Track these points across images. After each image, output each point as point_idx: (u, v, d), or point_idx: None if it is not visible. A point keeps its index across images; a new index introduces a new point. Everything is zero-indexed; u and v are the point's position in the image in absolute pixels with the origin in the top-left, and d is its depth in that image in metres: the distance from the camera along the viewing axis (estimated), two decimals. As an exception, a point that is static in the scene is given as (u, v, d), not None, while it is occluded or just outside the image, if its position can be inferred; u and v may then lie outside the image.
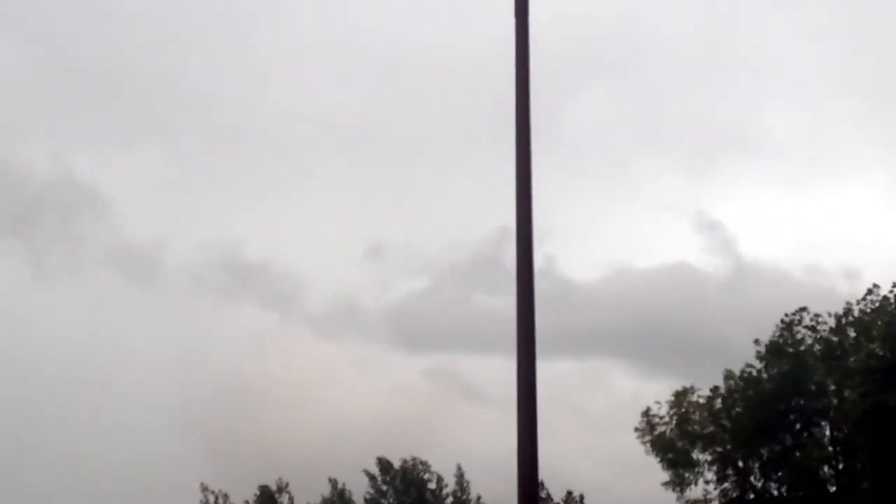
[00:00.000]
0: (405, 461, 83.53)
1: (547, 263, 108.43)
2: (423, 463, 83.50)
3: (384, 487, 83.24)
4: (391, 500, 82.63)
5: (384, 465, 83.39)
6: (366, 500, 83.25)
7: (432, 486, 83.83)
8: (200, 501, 78.90)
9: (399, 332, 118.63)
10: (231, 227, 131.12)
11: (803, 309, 59.12)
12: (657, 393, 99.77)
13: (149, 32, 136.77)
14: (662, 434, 60.76)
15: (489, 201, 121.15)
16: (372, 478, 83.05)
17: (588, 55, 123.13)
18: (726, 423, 59.05)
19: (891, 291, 55.76)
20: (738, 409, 58.57)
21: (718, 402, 59.78)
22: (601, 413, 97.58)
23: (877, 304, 55.77)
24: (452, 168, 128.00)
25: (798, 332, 58.67)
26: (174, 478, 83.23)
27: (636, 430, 61.63)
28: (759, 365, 58.75)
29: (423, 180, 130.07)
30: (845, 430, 54.97)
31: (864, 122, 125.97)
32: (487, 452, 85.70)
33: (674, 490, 60.32)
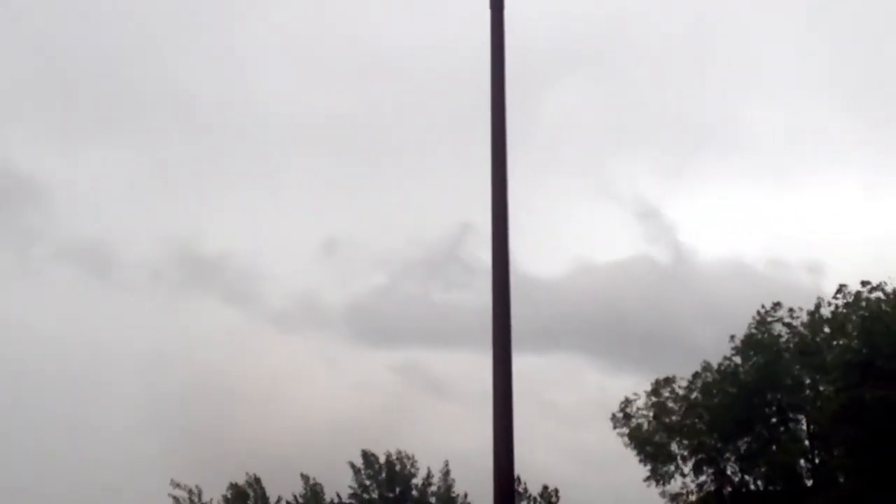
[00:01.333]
0: (389, 455, 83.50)
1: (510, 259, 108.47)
2: (409, 457, 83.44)
3: (367, 482, 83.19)
4: (374, 494, 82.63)
5: (368, 458, 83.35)
6: (350, 494, 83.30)
7: (417, 480, 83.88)
8: (172, 497, 78.59)
9: (361, 328, 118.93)
10: (192, 223, 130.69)
11: (777, 304, 59.46)
12: (624, 387, 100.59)
13: (121, 29, 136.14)
14: (640, 426, 61.01)
15: (450, 198, 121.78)
16: (357, 471, 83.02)
17: (563, 51, 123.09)
18: (704, 414, 59.31)
19: (866, 286, 56.10)
20: (715, 402, 58.83)
21: (696, 393, 60.08)
22: (569, 408, 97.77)
23: (850, 300, 56.06)
24: (417, 165, 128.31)
25: (773, 326, 59.03)
26: (143, 475, 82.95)
27: (612, 418, 61.86)
28: (735, 359, 59.08)
29: (387, 177, 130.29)
30: (822, 425, 55.21)
31: (839, 120, 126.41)
32: (458, 447, 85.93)
33: (656, 485, 60.59)
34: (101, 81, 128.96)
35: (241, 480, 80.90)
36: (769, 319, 59.23)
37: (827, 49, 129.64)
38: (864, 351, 48.97)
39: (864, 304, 54.29)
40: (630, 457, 61.94)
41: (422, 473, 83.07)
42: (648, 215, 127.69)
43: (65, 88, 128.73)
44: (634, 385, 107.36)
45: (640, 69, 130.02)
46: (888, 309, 50.32)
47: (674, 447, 60.33)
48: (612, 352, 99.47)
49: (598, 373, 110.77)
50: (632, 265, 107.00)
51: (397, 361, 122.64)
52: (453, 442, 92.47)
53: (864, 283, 55.82)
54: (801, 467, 58.63)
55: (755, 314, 59.38)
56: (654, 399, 61.48)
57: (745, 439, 58.80)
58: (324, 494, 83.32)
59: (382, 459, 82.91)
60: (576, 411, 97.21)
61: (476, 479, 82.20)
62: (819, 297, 57.99)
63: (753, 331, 59.11)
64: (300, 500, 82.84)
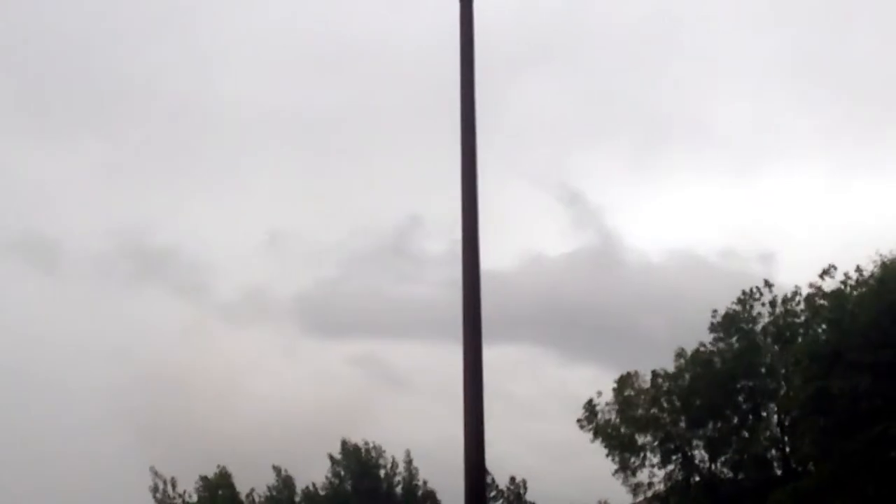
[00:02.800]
0: (360, 445, 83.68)
1: (452, 248, 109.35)
2: (377, 448, 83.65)
3: (342, 472, 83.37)
4: (348, 485, 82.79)
5: (347, 448, 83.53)
6: (313, 485, 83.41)
7: (385, 471, 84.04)
8: (150, 487, 78.45)
9: (312, 320, 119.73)
10: (140, 216, 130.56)
11: (758, 289, 59.77)
12: (580, 378, 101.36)
13: (75, 20, 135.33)
14: (607, 421, 61.24)
15: (399, 190, 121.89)
16: (335, 461, 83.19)
17: (531, 43, 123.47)
18: (674, 402, 59.52)
19: (834, 277, 56.41)
20: (686, 388, 59.04)
21: (661, 382, 60.32)
22: (528, 399, 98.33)
23: (821, 290, 56.36)
24: (368, 158, 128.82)
25: (753, 307, 59.30)
26: (108, 470, 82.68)
27: (578, 421, 62.07)
28: (710, 339, 59.35)
29: (338, 170, 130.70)
30: (793, 414, 55.53)
31: (803, 113, 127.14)
32: (418, 439, 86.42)
33: (623, 476, 60.80)
34: (51, 75, 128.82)
35: (206, 473, 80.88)
36: (752, 299, 59.49)
37: (791, 41, 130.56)
38: (832, 341, 49.18)
39: (835, 293, 54.63)
40: (591, 447, 62.27)
41: (390, 465, 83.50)
42: (602, 207, 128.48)
43: (15, 81, 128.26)
44: (591, 376, 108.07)
45: (604, 61, 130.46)
46: (857, 300, 50.56)
47: (641, 439, 60.61)
48: (566, 343, 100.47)
49: (553, 364, 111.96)
50: (583, 257, 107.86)
51: (353, 353, 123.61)
52: (414, 433, 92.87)
53: (823, 272, 56.30)
54: (771, 456, 58.98)
55: (740, 294, 59.63)
56: (619, 397, 61.77)
57: (715, 425, 59.06)
58: (295, 486, 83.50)
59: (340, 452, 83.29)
60: (534, 402, 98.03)
61: (437, 469, 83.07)
62: (797, 286, 58.50)
63: (734, 309, 59.34)
64: (273, 491, 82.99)
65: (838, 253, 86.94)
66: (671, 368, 60.61)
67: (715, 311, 59.73)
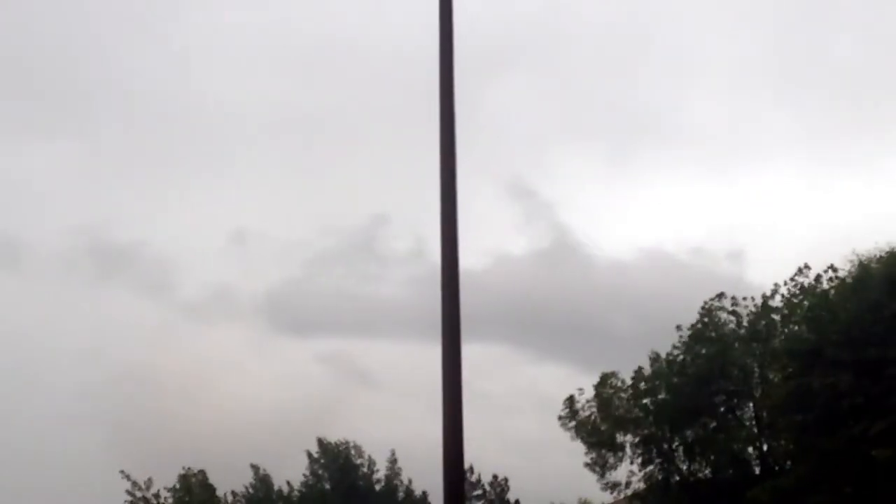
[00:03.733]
0: (337, 444, 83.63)
1: (418, 247, 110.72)
2: (356, 447, 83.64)
3: (320, 471, 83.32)
4: (326, 484, 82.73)
5: (325, 447, 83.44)
6: (289, 484, 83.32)
7: (362, 471, 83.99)
8: (126, 490, 78.13)
9: (280, 319, 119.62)
10: (104, 213, 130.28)
11: (721, 294, 59.87)
12: (552, 376, 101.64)
13: (42, 17, 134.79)
14: (587, 419, 61.32)
15: (365, 189, 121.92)
16: (314, 460, 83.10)
17: (506, 43, 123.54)
18: (650, 405, 59.66)
19: (813, 274, 56.61)
20: (662, 393, 59.18)
21: (642, 385, 60.38)
22: (500, 397, 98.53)
23: (801, 287, 56.59)
24: (339, 156, 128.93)
25: (718, 317, 59.38)
26: (81, 471, 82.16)
27: (560, 418, 62.13)
28: (682, 349, 59.42)
29: (309, 168, 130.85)
30: (770, 412, 55.64)
31: (781, 112, 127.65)
32: (392, 437, 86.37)
33: (595, 472, 60.91)
34: (16, 72, 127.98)
35: (176, 473, 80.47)
36: (715, 310, 59.59)
37: (766, 40, 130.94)
38: (811, 338, 49.30)
39: (813, 291, 54.84)
40: (564, 445, 62.37)
41: (369, 463, 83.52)
42: (572, 206, 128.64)
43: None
44: (563, 375, 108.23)
45: (579, 61, 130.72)
46: (836, 297, 50.71)
47: (620, 438, 60.69)
48: (537, 342, 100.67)
49: (524, 363, 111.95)
50: (553, 255, 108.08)
51: (322, 352, 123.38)
52: (386, 431, 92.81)
53: (798, 271, 56.58)
54: (748, 455, 59.16)
55: (701, 307, 59.75)
56: (599, 393, 61.83)
57: (693, 428, 59.18)
58: (273, 485, 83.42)
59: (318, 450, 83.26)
60: (506, 400, 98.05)
61: (411, 467, 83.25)
62: (776, 284, 58.56)
63: (699, 323, 59.45)
64: (251, 490, 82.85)
65: (810, 252, 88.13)
66: (647, 368, 60.78)
67: (679, 326, 59.78)
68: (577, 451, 62.16)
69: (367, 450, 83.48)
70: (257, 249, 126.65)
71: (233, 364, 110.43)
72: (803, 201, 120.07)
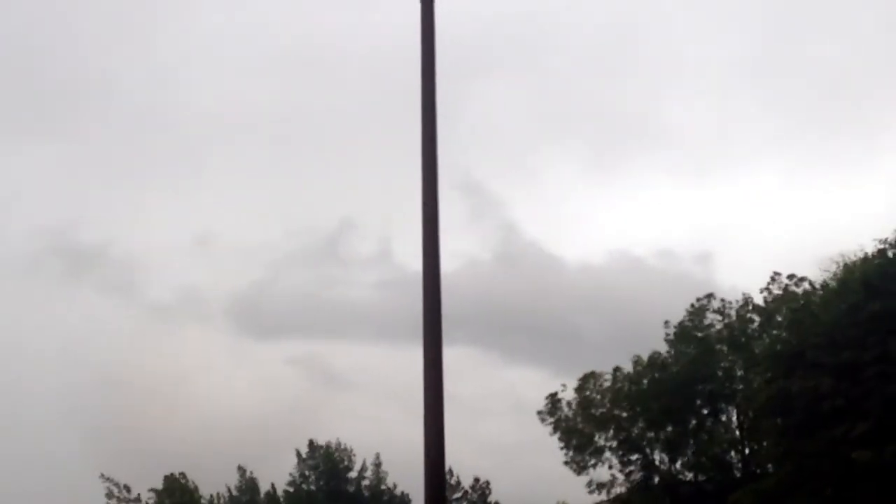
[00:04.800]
0: (328, 446, 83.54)
1: (384, 250, 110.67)
2: (345, 449, 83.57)
3: (307, 472, 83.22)
4: (312, 485, 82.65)
5: (313, 448, 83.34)
6: (273, 487, 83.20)
7: (352, 474, 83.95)
8: (105, 494, 77.86)
9: (248, 321, 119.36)
10: (70, 215, 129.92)
11: (710, 295, 60.04)
12: (523, 380, 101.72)
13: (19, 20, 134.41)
14: (567, 418, 61.37)
15: (333, 193, 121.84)
16: (302, 460, 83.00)
17: (491, 46, 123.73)
18: (632, 406, 59.70)
19: (792, 279, 56.84)
20: (644, 392, 59.22)
21: (624, 386, 60.47)
22: (473, 399, 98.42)
23: (780, 293, 56.83)
24: (308, 160, 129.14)
25: (706, 317, 59.56)
26: (61, 473, 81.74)
27: (539, 413, 62.20)
28: (666, 348, 59.57)
29: (278, 171, 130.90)
30: (751, 416, 55.81)
31: (756, 116, 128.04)
32: (370, 439, 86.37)
33: (574, 471, 60.94)
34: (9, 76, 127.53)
35: (150, 475, 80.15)
36: (703, 309, 59.77)
37: (747, 43, 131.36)
38: (793, 342, 49.43)
39: (794, 295, 55.08)
40: (540, 447, 62.50)
41: (359, 466, 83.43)
42: (544, 210, 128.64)
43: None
44: (538, 378, 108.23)
45: (565, 64, 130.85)
46: (818, 299, 50.90)
47: (601, 439, 60.76)
48: (508, 345, 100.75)
49: (495, 366, 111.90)
50: (520, 259, 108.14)
51: (293, 355, 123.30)
52: (363, 433, 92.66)
53: (790, 277, 56.87)
54: (730, 457, 59.29)
55: (689, 306, 59.95)
56: (580, 393, 61.91)
57: (674, 428, 59.28)
58: (258, 487, 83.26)
59: (305, 451, 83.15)
60: (479, 403, 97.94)
61: (386, 468, 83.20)
62: (761, 290, 58.80)
63: (687, 321, 59.59)
64: (235, 492, 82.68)
65: (781, 254, 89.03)
66: (616, 368, 60.97)
67: (667, 321, 59.98)
68: (553, 454, 62.30)
69: (350, 452, 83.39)
70: (224, 252, 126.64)
71: (205, 367, 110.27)
72: (778, 204, 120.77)
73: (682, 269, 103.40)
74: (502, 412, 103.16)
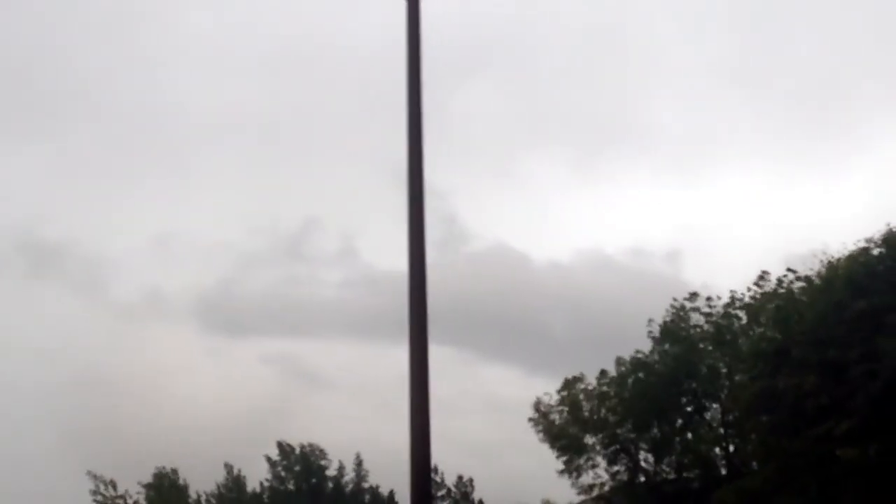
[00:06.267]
0: (304, 447, 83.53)
1: (348, 248, 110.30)
2: (321, 450, 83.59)
3: (283, 473, 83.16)
4: (290, 485, 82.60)
5: (284, 450, 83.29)
6: (262, 485, 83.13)
7: (331, 472, 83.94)
8: (90, 490, 77.69)
9: (215, 319, 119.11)
10: (36, 211, 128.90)
11: (695, 293, 60.14)
12: (496, 379, 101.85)
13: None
14: (554, 422, 61.53)
15: (300, 192, 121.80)
16: (273, 463, 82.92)
17: (476, 47, 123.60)
18: (617, 407, 59.77)
19: (785, 275, 56.96)
20: (628, 393, 59.32)
21: (608, 388, 60.55)
22: (449, 398, 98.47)
23: (765, 290, 56.91)
24: (277, 159, 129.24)
25: (690, 315, 59.64)
26: (39, 473, 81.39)
27: (530, 419, 62.34)
28: (650, 347, 59.71)
29: (245, 170, 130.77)
30: (736, 414, 55.90)
31: (742, 117, 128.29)
32: (342, 437, 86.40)
33: (569, 477, 61.09)
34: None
35: (139, 475, 79.93)
36: (686, 308, 59.88)
37: (729, 47, 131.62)
38: (778, 339, 49.53)
39: (781, 292, 55.15)
40: (516, 446, 62.76)
41: (333, 465, 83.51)
42: (518, 209, 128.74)
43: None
44: (509, 377, 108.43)
45: (548, 65, 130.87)
46: (803, 297, 50.99)
47: (587, 440, 60.86)
48: (480, 344, 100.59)
49: (467, 365, 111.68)
50: (489, 257, 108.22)
51: (265, 353, 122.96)
52: (341, 432, 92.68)
53: (790, 270, 56.87)
54: (715, 456, 59.38)
55: (672, 304, 60.05)
56: (565, 396, 62.02)
57: (659, 428, 59.38)
58: (246, 484, 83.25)
59: (277, 451, 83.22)
60: (453, 402, 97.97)
61: (366, 466, 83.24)
62: (749, 288, 58.92)
63: (671, 319, 59.69)
64: (222, 489, 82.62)
65: (748, 255, 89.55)
66: (602, 372, 61.11)
67: (651, 320, 60.12)
68: (529, 452, 62.50)
69: (328, 451, 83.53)
70: (189, 250, 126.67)
71: (179, 366, 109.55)
72: (753, 203, 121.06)
73: (653, 267, 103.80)
74: (477, 410, 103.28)
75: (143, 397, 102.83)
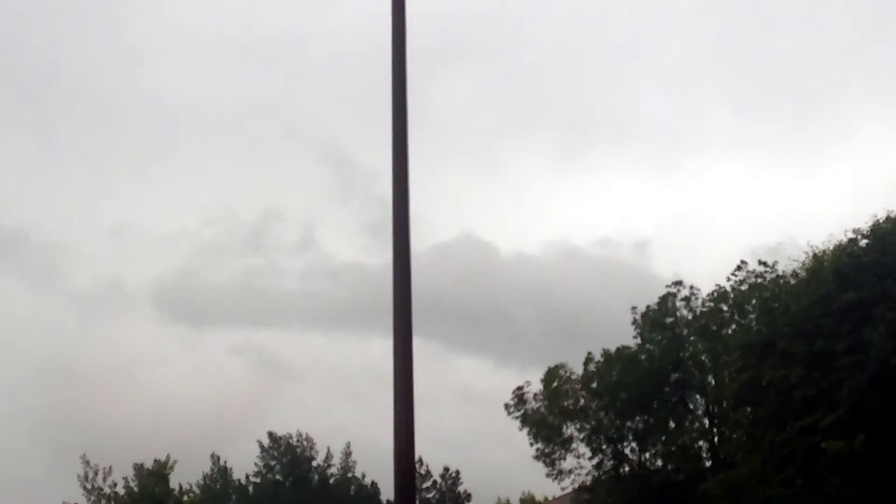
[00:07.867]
0: (290, 436, 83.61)
1: (307, 238, 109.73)
2: (308, 439, 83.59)
3: (272, 462, 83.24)
4: (278, 475, 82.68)
5: (275, 439, 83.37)
6: (255, 473, 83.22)
7: (317, 462, 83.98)
8: (79, 476, 77.18)
9: (176, 309, 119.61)
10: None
11: (679, 283, 60.19)
12: (470, 369, 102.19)
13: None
14: (535, 410, 61.55)
15: (260, 184, 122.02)
16: (264, 450, 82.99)
17: (461, 38, 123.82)
18: (601, 395, 59.76)
19: (763, 266, 56.98)
20: (613, 381, 59.28)
21: (594, 377, 60.57)
22: (422, 389, 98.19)
23: (750, 281, 56.95)
24: (242, 151, 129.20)
25: (675, 306, 59.68)
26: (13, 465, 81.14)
27: (506, 406, 62.39)
28: (633, 335, 59.78)
29: (209, 162, 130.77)
30: (721, 405, 55.96)
31: (722, 109, 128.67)
32: (316, 426, 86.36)
33: (545, 464, 61.13)
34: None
35: (133, 464, 79.31)
36: (671, 298, 59.90)
37: (709, 38, 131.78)
38: (763, 331, 49.59)
39: (766, 283, 55.24)
40: (490, 438, 62.71)
41: (323, 456, 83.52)
42: (494, 201, 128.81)
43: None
44: (478, 368, 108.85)
45: (529, 57, 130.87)
46: (787, 289, 51.05)
47: (569, 430, 60.90)
48: (449, 335, 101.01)
49: (435, 355, 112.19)
50: (456, 248, 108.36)
51: (233, 343, 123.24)
52: (308, 421, 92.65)
53: (762, 263, 56.97)
54: (699, 447, 59.42)
55: (659, 296, 60.08)
56: (547, 385, 62.06)
57: (643, 418, 59.40)
58: (232, 475, 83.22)
59: (267, 442, 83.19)
60: (427, 393, 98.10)
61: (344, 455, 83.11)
62: (729, 278, 58.93)
63: (655, 310, 59.70)
64: (208, 480, 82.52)
65: (717, 245, 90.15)
66: (588, 356, 61.18)
67: (634, 307, 60.14)
68: (503, 443, 62.57)
69: (311, 441, 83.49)
70: (146, 240, 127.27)
71: (145, 356, 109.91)
72: (728, 194, 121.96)
73: (621, 257, 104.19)
74: (447, 402, 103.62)
75: (113, 388, 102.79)
